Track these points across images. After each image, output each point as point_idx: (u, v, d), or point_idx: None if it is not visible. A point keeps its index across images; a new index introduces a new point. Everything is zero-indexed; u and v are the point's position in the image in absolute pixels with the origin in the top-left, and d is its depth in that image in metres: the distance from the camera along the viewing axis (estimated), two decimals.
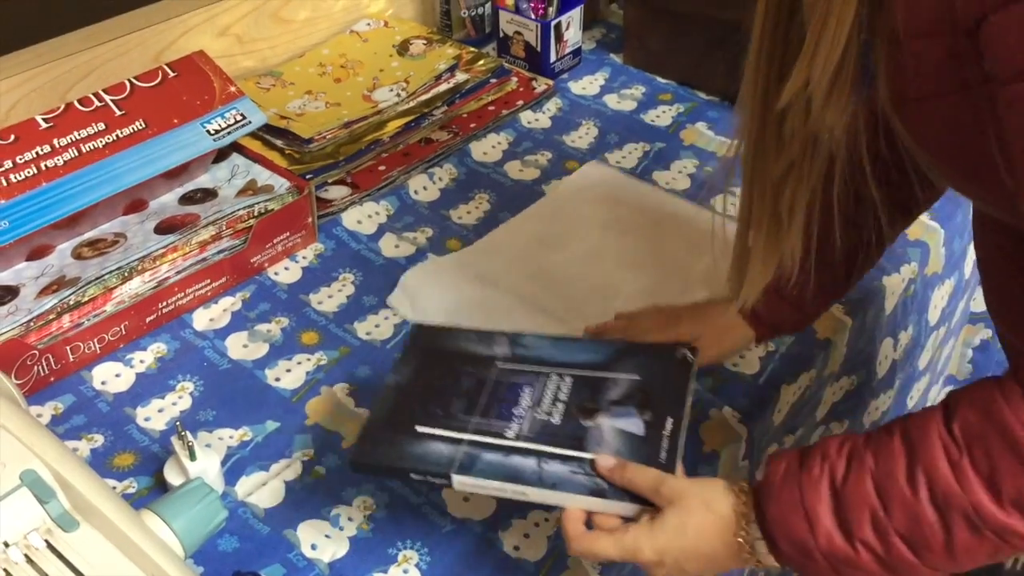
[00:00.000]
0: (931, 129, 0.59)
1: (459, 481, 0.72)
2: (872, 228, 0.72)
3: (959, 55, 0.52)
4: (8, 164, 0.95)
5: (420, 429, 0.75)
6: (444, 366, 0.81)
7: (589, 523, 0.69)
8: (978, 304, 1.43)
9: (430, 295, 1.02)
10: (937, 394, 1.42)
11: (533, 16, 1.36)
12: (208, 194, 1.08)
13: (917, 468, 0.58)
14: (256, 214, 1.03)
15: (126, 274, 0.96)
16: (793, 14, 0.60)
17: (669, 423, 0.73)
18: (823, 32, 0.56)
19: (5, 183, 0.94)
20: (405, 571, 0.78)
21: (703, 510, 0.65)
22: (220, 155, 1.12)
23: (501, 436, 0.73)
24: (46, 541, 0.65)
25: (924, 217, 0.87)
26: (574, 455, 0.71)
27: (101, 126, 1.00)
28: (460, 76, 1.31)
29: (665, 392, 0.76)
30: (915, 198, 0.82)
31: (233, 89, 1.09)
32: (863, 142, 0.64)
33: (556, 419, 0.74)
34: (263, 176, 1.09)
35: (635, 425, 0.73)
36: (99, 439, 0.89)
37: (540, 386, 0.77)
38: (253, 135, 1.15)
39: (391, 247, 1.10)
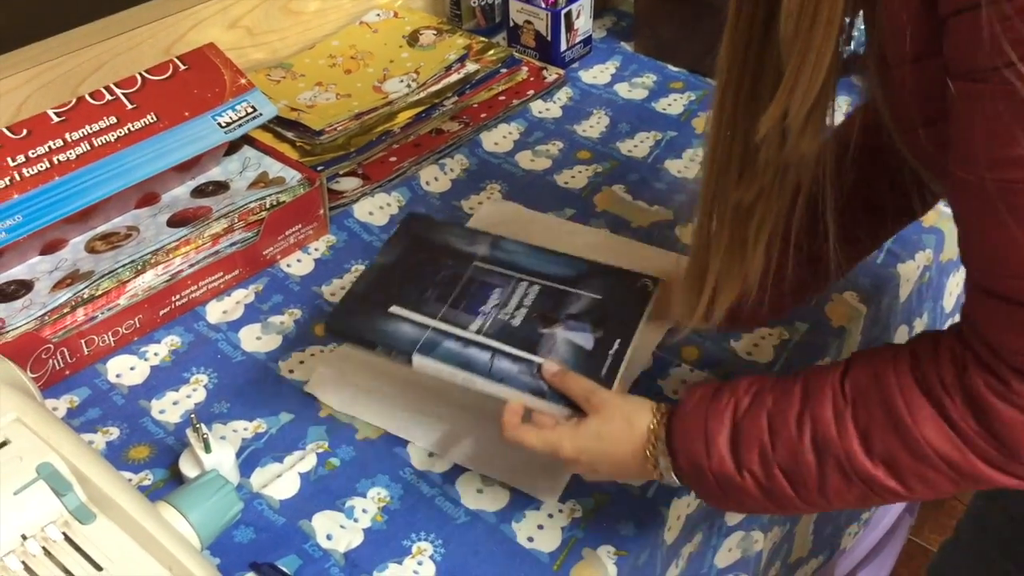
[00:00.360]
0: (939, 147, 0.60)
1: (418, 361, 0.79)
2: (825, 257, 0.72)
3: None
4: (21, 159, 0.95)
5: (393, 309, 0.83)
6: (427, 255, 0.88)
7: (527, 419, 0.77)
8: None
9: (354, 383, 0.93)
10: None
11: (543, 5, 1.35)
12: (220, 187, 1.08)
13: (806, 412, 0.64)
14: (268, 206, 1.03)
15: (139, 267, 0.96)
16: (764, 47, 0.61)
17: (616, 343, 0.80)
18: (802, 67, 0.58)
19: (18, 177, 0.94)
20: (420, 562, 0.78)
21: (623, 422, 0.73)
22: (231, 148, 1.12)
23: (464, 328, 0.81)
24: (63, 533, 0.65)
25: (939, 204, 0.87)
26: (524, 356, 0.79)
27: (113, 120, 1.01)
28: (470, 66, 1.30)
29: (620, 315, 0.82)
30: (877, 231, 0.84)
31: (244, 81, 1.09)
32: (830, 172, 0.66)
33: (516, 322, 0.81)
34: (275, 168, 1.09)
35: (585, 340, 0.80)
36: (114, 432, 0.89)
37: (509, 290, 0.84)
38: (264, 127, 1.15)
39: None
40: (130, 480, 0.85)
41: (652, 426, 0.72)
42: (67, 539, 0.65)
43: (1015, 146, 0.52)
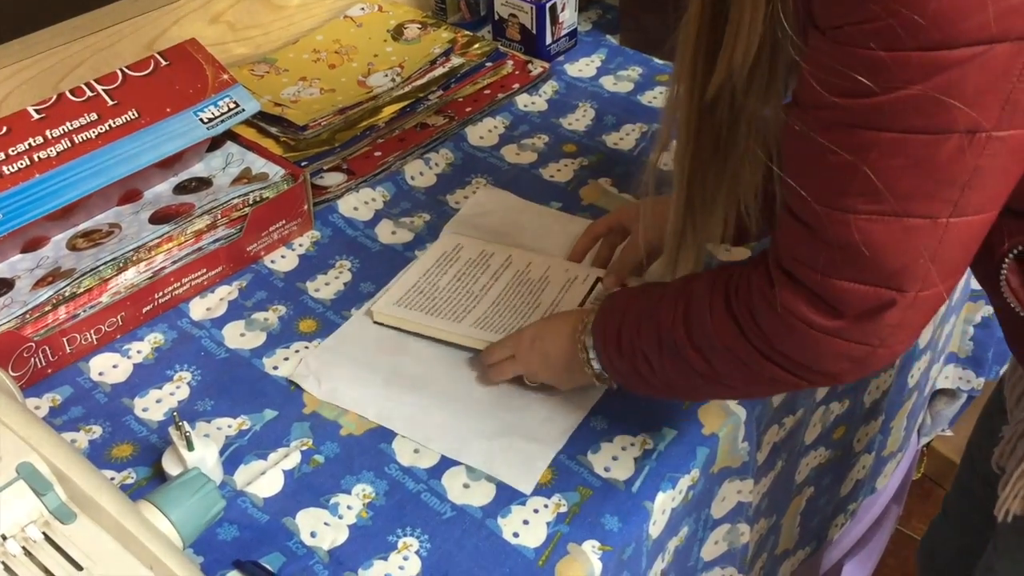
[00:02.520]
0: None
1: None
2: None
3: None
4: (1, 156, 0.94)
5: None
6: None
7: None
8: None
9: (339, 374, 0.93)
10: (938, 372, 1.42)
11: None
12: (203, 183, 1.08)
13: (658, 310, 0.76)
14: (251, 202, 1.03)
15: (121, 265, 0.96)
16: (721, 10, 0.66)
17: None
18: (740, 24, 0.63)
19: None
20: (405, 558, 0.78)
21: (564, 315, 0.88)
22: (214, 143, 1.11)
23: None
24: (44, 533, 0.65)
25: None
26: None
27: (94, 116, 1.00)
28: (455, 60, 1.30)
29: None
30: None
31: (226, 77, 1.08)
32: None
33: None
34: (258, 164, 1.08)
35: None
36: (97, 430, 0.89)
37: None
38: (248, 123, 1.15)
39: (388, 233, 1.10)
40: (113, 479, 0.84)
41: (583, 317, 0.84)
42: (47, 539, 0.65)
43: (838, 94, 0.59)
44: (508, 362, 0.89)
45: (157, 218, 1.02)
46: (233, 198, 1.02)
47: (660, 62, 1.36)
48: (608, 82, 1.34)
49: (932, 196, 0.59)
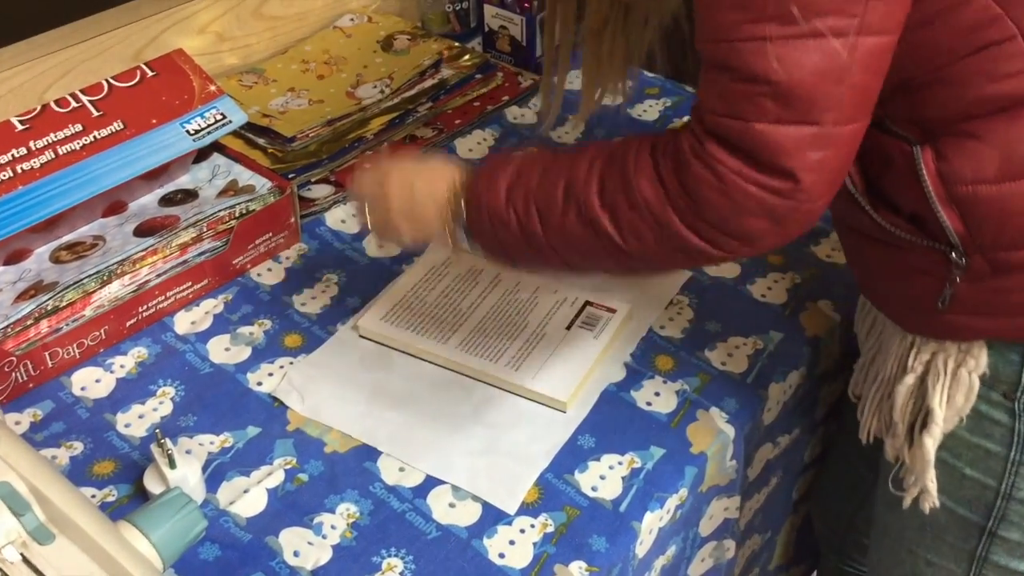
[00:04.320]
0: None
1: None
2: None
3: None
4: None
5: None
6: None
7: None
8: None
9: (323, 390, 0.92)
10: None
11: (518, 10, 1.34)
12: (189, 195, 1.07)
13: (570, 166, 0.73)
14: (238, 215, 1.02)
15: (105, 278, 0.94)
16: None
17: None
18: None
19: None
20: None
21: (442, 161, 0.82)
22: (201, 155, 1.10)
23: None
24: (21, 555, 0.63)
25: None
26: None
27: (78, 127, 0.99)
28: (445, 72, 1.29)
29: None
30: None
31: (213, 88, 1.07)
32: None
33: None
34: (244, 176, 1.07)
35: None
36: (78, 446, 0.88)
37: None
38: (235, 134, 1.14)
39: (376, 246, 1.09)
40: (94, 496, 0.83)
41: (460, 172, 0.79)
42: (25, 560, 0.63)
43: None
44: (379, 184, 0.83)
45: (142, 230, 1.01)
46: (219, 210, 1.01)
47: (651, 75, 1.36)
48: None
49: (840, 10, 0.61)
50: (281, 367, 0.95)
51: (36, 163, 0.96)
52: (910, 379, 0.80)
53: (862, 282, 0.85)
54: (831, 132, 0.63)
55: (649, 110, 1.30)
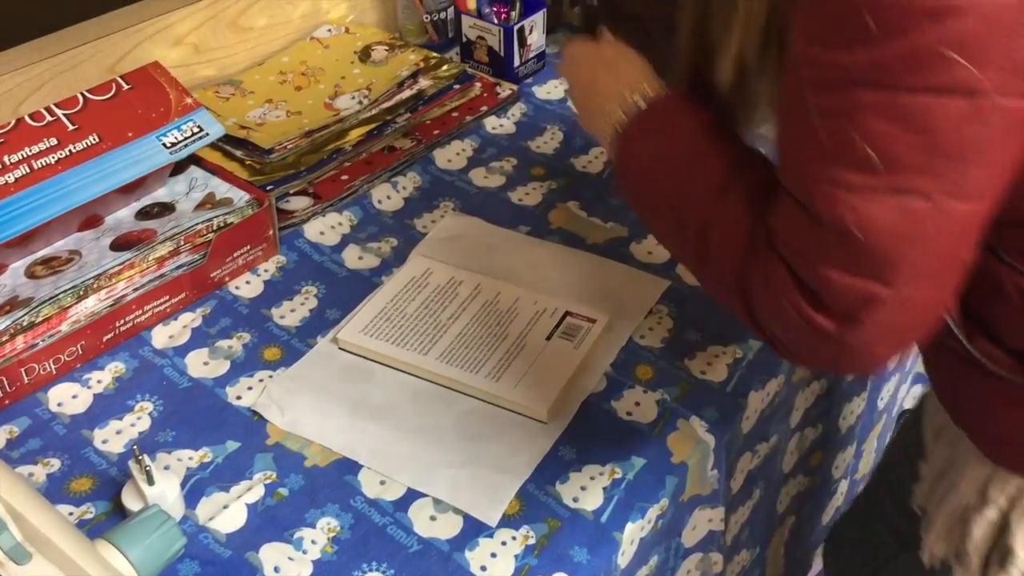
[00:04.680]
0: None
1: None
2: None
3: None
4: None
5: None
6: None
7: None
8: None
9: (302, 403, 0.91)
10: (906, 392, 1.43)
11: (496, 21, 1.35)
12: (165, 208, 1.06)
13: (703, 180, 0.70)
14: (215, 228, 1.01)
15: (81, 292, 0.94)
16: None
17: None
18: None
19: None
20: None
21: (635, 67, 0.82)
22: (178, 168, 1.09)
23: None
24: None
25: None
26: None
27: (53, 141, 0.98)
28: (423, 82, 1.29)
29: None
30: None
31: (190, 101, 1.07)
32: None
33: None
34: (222, 189, 1.07)
35: None
36: (55, 463, 0.87)
37: None
38: (212, 146, 1.13)
39: (355, 258, 1.09)
40: (71, 514, 0.82)
41: (639, 90, 0.78)
42: None
43: (823, 46, 0.56)
44: (574, 58, 0.88)
45: (118, 244, 1.00)
46: (197, 223, 1.01)
47: None
48: None
49: (929, 170, 0.54)
50: (260, 381, 0.94)
51: (11, 177, 0.95)
52: (991, 513, 0.75)
53: (942, 395, 0.79)
54: (903, 295, 0.57)
55: None
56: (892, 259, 0.56)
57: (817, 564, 1.33)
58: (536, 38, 1.37)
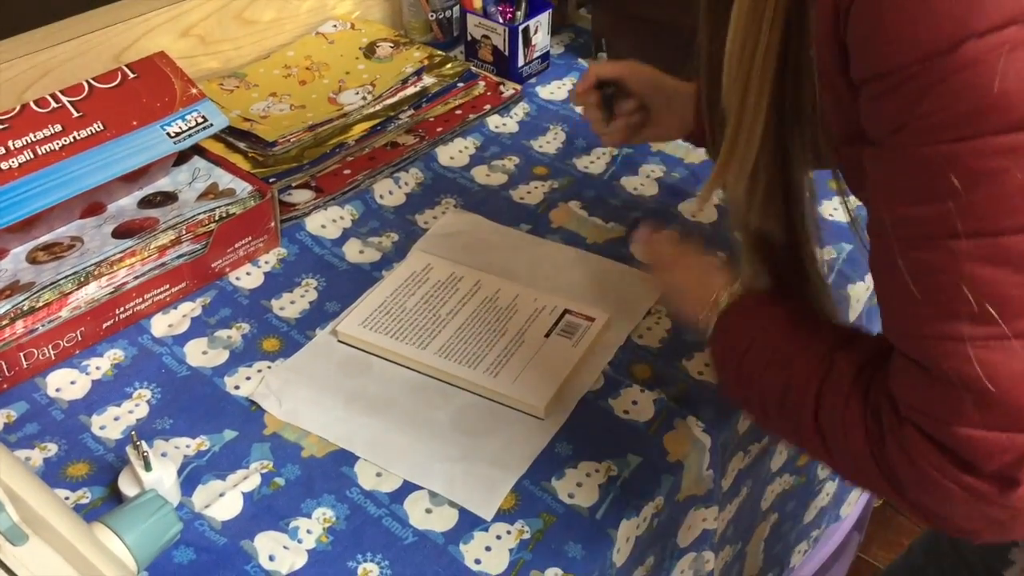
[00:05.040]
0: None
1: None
2: None
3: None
4: None
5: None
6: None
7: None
8: None
9: (300, 394, 0.92)
10: None
11: (501, 20, 1.35)
12: (168, 198, 1.06)
13: (800, 366, 0.68)
14: (217, 218, 1.02)
15: (82, 279, 0.94)
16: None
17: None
18: (736, 138, 0.64)
19: None
20: None
21: (709, 266, 0.85)
22: (181, 158, 1.10)
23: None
24: None
25: None
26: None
27: (58, 128, 0.98)
28: (427, 80, 1.29)
29: None
30: None
31: (194, 91, 1.07)
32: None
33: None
34: (225, 180, 1.07)
35: None
36: (52, 448, 0.87)
37: None
38: (216, 137, 1.14)
39: (355, 252, 1.09)
40: (67, 498, 0.82)
41: (729, 290, 0.79)
42: None
43: (909, 204, 0.54)
44: (658, 261, 0.92)
45: (120, 232, 1.00)
46: (199, 213, 1.01)
47: None
48: None
49: None
50: (259, 371, 0.94)
51: (14, 163, 0.95)
52: None
53: None
54: None
55: None
56: None
57: (795, 561, 1.34)
58: (541, 38, 1.37)
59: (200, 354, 0.96)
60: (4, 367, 0.90)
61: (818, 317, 0.74)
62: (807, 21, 0.59)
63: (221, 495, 0.83)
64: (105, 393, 0.92)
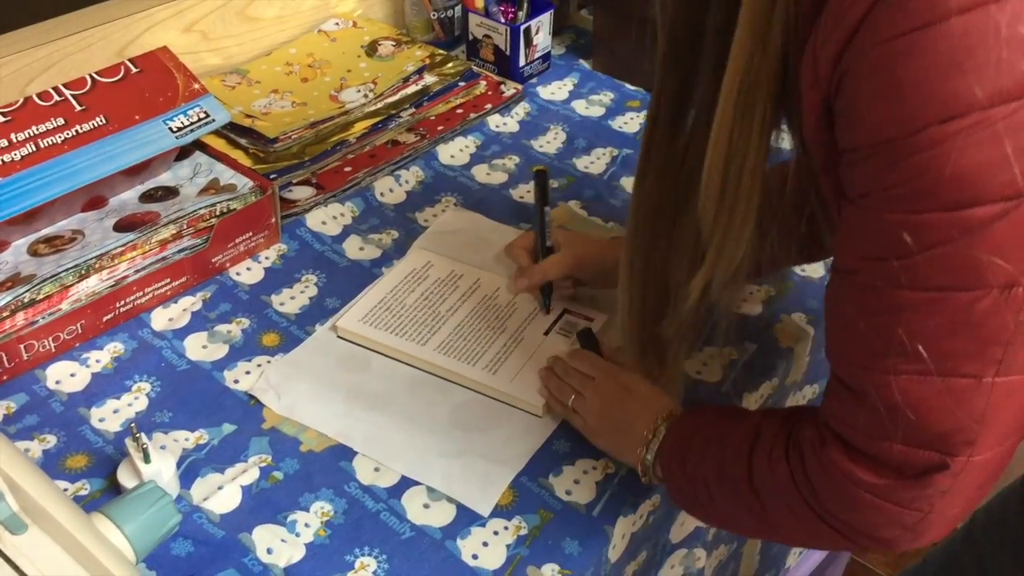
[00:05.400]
0: None
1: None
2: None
3: None
4: None
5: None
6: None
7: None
8: None
9: (299, 389, 0.92)
10: None
11: (503, 20, 1.36)
12: (169, 192, 1.07)
13: (729, 445, 0.74)
14: (218, 213, 1.02)
15: (83, 272, 0.94)
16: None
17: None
18: (724, 245, 0.68)
19: None
20: None
21: (646, 395, 0.85)
22: (183, 153, 1.10)
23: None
24: None
25: None
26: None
27: (60, 121, 0.99)
28: (428, 78, 1.30)
29: None
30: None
31: (197, 86, 1.08)
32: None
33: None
34: (226, 175, 1.08)
35: None
36: (52, 440, 0.87)
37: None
38: (217, 133, 1.14)
39: (356, 249, 1.09)
40: (66, 490, 0.83)
41: (662, 416, 0.82)
42: None
43: (867, 255, 0.60)
44: (569, 403, 0.87)
45: (122, 226, 1.01)
46: (200, 208, 1.01)
47: (632, 88, 1.37)
48: (580, 106, 1.34)
49: (973, 355, 0.58)
50: (258, 366, 0.95)
51: (17, 155, 0.95)
52: None
53: None
54: (967, 463, 0.61)
55: (631, 122, 1.31)
56: (947, 432, 0.60)
57: (791, 562, 1.34)
58: (542, 39, 1.37)
59: (200, 348, 0.96)
60: (4, 359, 0.90)
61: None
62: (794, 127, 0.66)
63: (219, 488, 0.83)
64: (105, 386, 0.92)
